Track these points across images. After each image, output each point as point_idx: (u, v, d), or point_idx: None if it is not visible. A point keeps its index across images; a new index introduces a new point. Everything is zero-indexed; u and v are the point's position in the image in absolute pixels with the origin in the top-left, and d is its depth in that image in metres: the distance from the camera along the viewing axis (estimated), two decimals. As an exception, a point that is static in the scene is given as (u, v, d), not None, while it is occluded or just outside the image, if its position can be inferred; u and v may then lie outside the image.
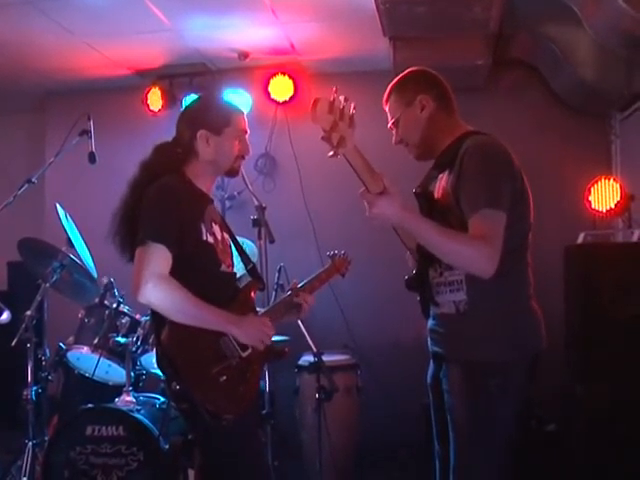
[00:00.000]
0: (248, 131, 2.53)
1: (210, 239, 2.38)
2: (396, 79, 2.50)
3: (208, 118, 2.45)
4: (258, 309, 2.55)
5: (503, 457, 2.27)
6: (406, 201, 2.18)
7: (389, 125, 2.49)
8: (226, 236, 2.54)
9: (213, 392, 2.24)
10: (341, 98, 2.05)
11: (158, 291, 2.19)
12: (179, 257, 2.25)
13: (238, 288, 2.50)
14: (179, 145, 2.47)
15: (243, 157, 2.52)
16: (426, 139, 2.43)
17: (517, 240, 2.26)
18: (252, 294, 2.54)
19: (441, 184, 2.38)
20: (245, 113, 2.55)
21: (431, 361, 2.51)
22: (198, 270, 2.33)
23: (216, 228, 2.45)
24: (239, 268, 2.62)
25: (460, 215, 2.23)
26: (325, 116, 2.03)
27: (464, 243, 2.16)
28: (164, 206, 2.28)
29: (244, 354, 2.32)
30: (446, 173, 2.35)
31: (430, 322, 2.46)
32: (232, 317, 2.31)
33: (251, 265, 2.64)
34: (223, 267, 2.42)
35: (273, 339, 2.43)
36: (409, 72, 2.51)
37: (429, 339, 2.47)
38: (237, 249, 2.63)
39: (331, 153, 2.09)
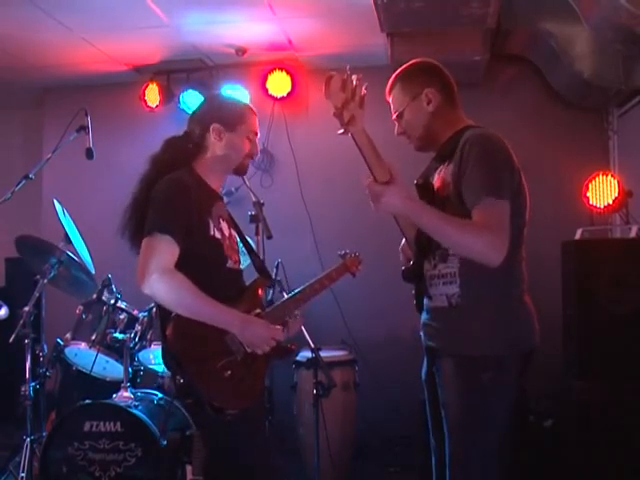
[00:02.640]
0: (259, 134, 2.54)
1: (217, 235, 2.38)
2: (400, 70, 2.46)
3: (223, 113, 2.47)
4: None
5: (498, 452, 2.26)
6: (412, 191, 2.18)
7: (393, 117, 2.46)
8: (234, 233, 2.54)
9: (217, 387, 2.23)
10: (354, 77, 2.06)
11: (163, 283, 2.18)
12: (186, 252, 2.24)
13: (244, 285, 2.50)
14: (190, 140, 2.47)
15: (252, 157, 2.53)
16: (430, 132, 2.41)
17: (513, 235, 2.23)
18: (260, 291, 2.51)
19: (441, 175, 2.37)
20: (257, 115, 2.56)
21: (425, 356, 2.50)
22: (204, 265, 2.32)
23: (224, 225, 2.45)
24: (246, 265, 2.61)
25: (459, 206, 2.21)
26: (337, 93, 2.04)
27: (471, 232, 2.14)
28: (172, 199, 2.27)
29: (249, 349, 2.31)
30: (446, 164, 2.35)
31: (424, 316, 2.45)
32: (238, 318, 2.28)
33: (259, 262, 2.64)
34: (230, 263, 2.42)
35: None
36: (414, 63, 2.46)
37: (422, 333, 2.46)
38: (245, 246, 2.62)
39: (341, 131, 2.10)
